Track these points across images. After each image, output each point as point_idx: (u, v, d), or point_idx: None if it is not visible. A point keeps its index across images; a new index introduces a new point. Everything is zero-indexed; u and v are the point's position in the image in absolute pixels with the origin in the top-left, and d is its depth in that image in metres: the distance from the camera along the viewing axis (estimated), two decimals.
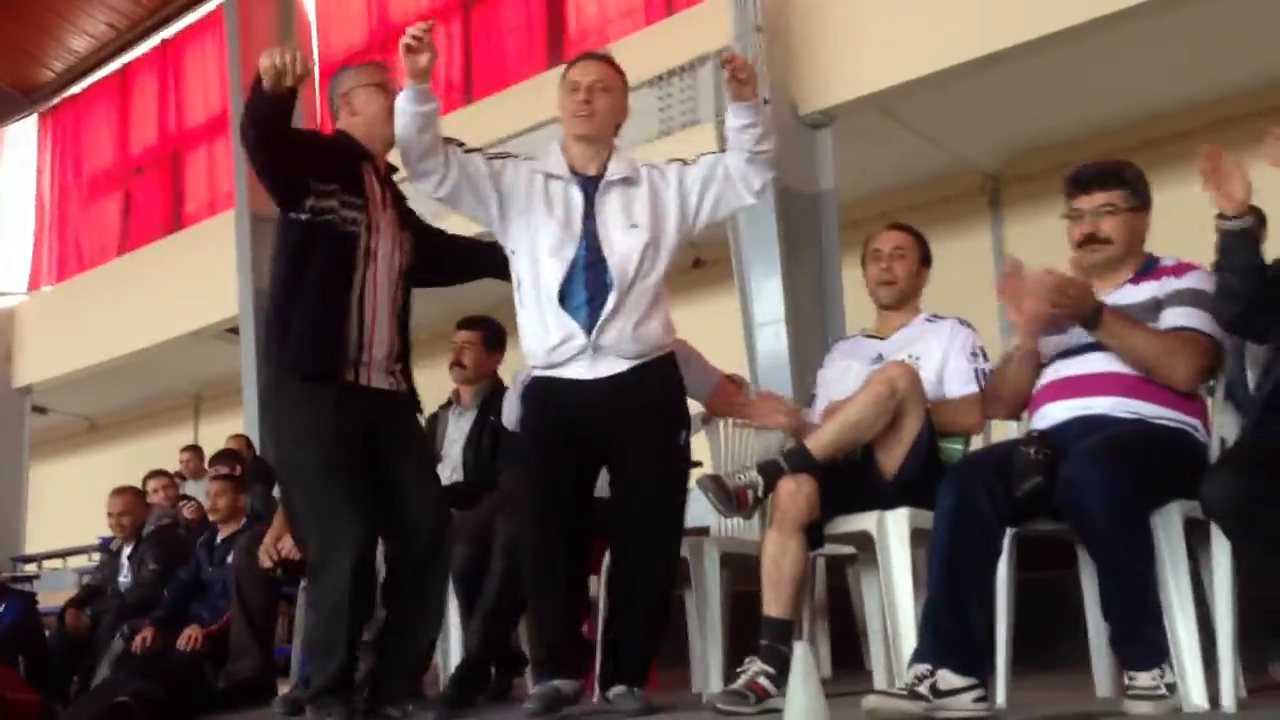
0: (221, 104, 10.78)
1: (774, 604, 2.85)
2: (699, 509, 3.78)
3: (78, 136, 12.79)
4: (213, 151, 11.15)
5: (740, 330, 6.68)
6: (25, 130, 13.27)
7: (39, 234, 13.08)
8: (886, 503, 2.92)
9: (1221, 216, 2.53)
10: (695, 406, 3.86)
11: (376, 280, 3.16)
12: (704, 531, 3.87)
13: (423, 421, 3.67)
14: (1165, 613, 2.42)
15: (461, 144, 3.15)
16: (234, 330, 10.01)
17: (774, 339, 6.48)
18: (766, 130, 3.04)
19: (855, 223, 7.26)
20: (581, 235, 3.04)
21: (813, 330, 6.53)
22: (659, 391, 3.10)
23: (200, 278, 10.26)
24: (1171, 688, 2.37)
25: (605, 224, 3.05)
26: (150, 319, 10.77)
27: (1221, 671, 2.40)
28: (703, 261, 8.83)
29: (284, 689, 4.28)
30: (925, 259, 3.40)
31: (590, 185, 3.09)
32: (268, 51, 2.88)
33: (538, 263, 3.05)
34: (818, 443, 2.92)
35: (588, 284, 3.01)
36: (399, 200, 3.32)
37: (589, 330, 2.99)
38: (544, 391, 3.12)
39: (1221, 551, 2.41)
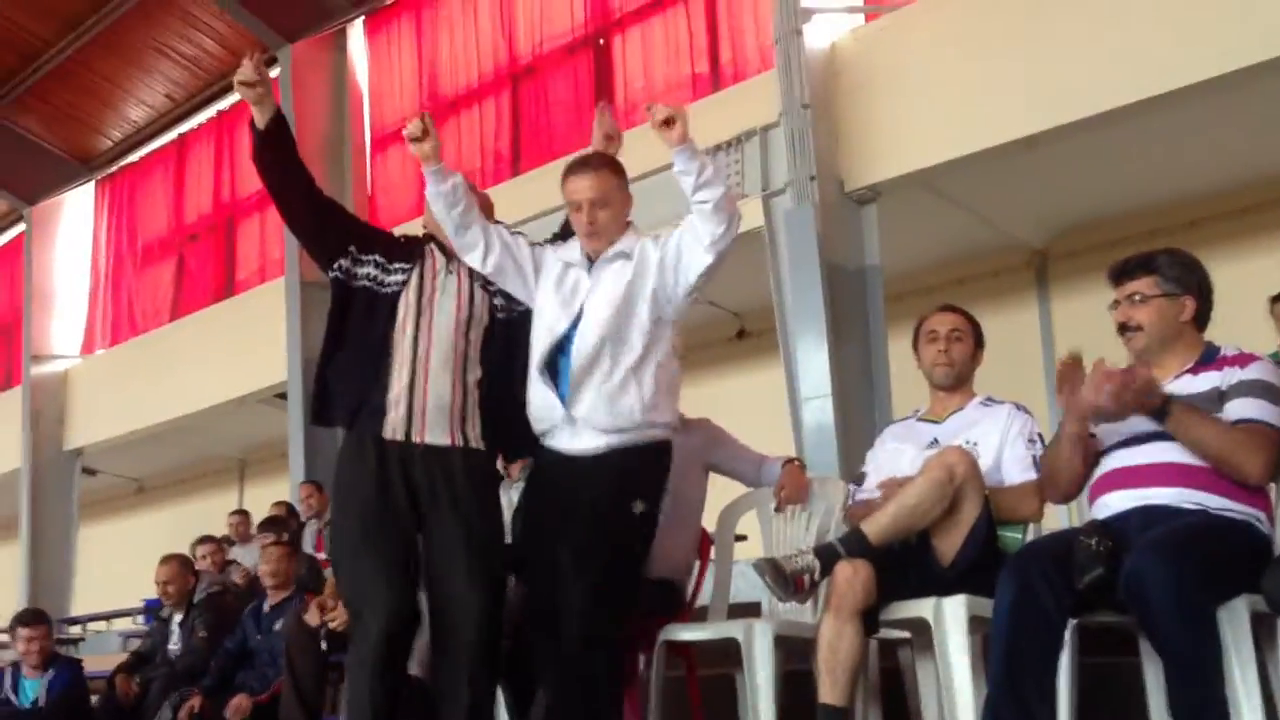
0: None
1: (830, 691, 2.83)
2: (746, 584, 3.78)
3: (133, 204, 13.07)
4: (265, 220, 11.36)
5: (785, 403, 6.69)
6: (83, 197, 13.57)
7: (94, 299, 13.33)
8: (944, 589, 2.89)
9: None
10: (722, 482, 3.88)
11: (431, 337, 3.21)
12: (754, 609, 3.86)
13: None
14: (1233, 708, 2.38)
15: (507, 226, 3.30)
16: (282, 395, 10.12)
17: (820, 413, 6.47)
18: (706, 179, 2.98)
19: (900, 297, 7.29)
20: (576, 312, 3.14)
21: (859, 405, 6.53)
22: (620, 472, 3.09)
23: (250, 343, 10.41)
24: None
25: (593, 300, 3.15)
26: (200, 384, 10.93)
27: None
28: (747, 333, 8.88)
29: None
30: (979, 341, 3.40)
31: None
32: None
33: (535, 337, 3.19)
34: (874, 527, 2.91)
35: (570, 357, 3.11)
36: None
37: (564, 401, 3.09)
38: (538, 462, 3.25)
39: None
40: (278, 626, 5.04)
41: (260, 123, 3.18)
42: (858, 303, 6.75)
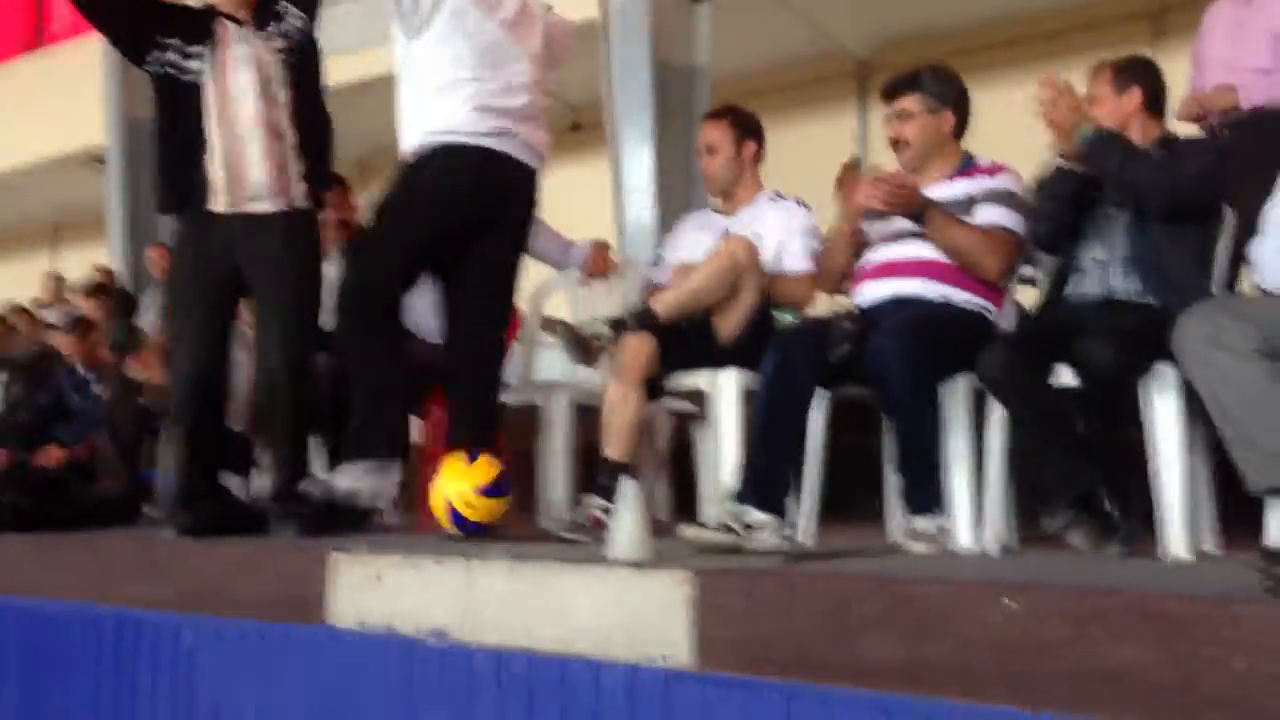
0: None
1: (612, 446, 3.16)
2: (549, 363, 4.06)
3: None
4: None
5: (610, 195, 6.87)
6: None
7: None
8: (721, 363, 3.23)
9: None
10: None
11: (237, 115, 3.35)
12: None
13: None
14: (946, 469, 2.78)
15: None
16: (100, 159, 9.77)
17: (641, 206, 6.69)
18: None
19: (727, 99, 7.44)
20: None
21: (679, 200, 6.72)
22: None
23: (65, 102, 9.93)
24: (945, 532, 2.75)
25: None
26: (7, 143, 10.43)
27: (988, 521, 2.77)
28: (581, 125, 8.93)
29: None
30: (745, 135, 3.58)
31: None
32: None
33: None
34: (663, 304, 3.20)
35: None
36: (278, 32, 3.46)
37: None
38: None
39: (996, 419, 2.76)
40: (94, 387, 5.12)
41: None
42: (684, 102, 6.88)
